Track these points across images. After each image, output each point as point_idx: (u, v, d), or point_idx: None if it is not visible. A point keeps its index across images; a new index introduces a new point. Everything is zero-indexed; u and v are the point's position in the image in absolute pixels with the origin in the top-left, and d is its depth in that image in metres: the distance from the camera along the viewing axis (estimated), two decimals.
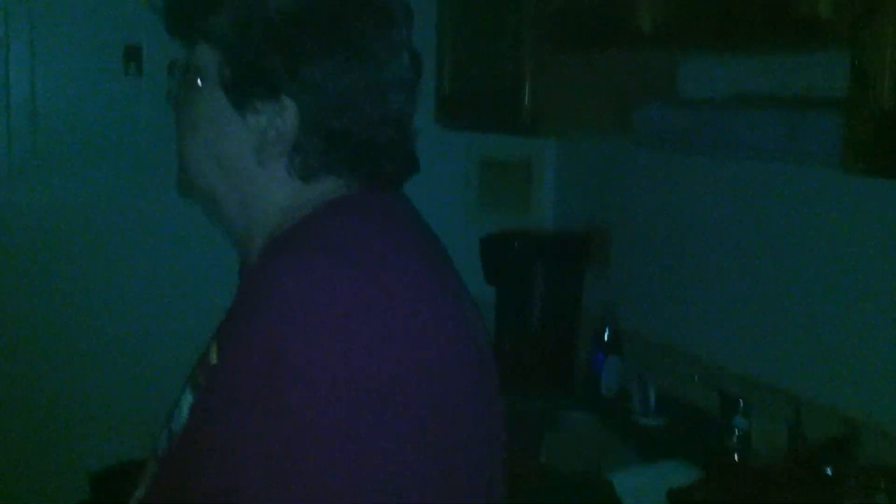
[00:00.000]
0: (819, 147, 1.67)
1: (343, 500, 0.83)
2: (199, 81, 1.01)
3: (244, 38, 0.98)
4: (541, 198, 2.86)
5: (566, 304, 2.54)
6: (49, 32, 2.52)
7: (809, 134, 1.70)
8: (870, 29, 1.33)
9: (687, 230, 2.30)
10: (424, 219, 1.11)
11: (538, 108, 2.23)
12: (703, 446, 2.04)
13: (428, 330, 0.91)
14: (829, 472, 1.75)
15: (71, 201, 2.59)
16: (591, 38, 2.03)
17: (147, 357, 2.64)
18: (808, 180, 1.92)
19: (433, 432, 0.88)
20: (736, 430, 1.99)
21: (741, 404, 1.99)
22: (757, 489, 1.87)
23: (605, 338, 2.38)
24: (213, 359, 0.95)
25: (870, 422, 1.79)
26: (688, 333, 2.30)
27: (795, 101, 1.83)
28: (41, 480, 2.55)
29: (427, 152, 2.96)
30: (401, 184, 1.09)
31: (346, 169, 1.02)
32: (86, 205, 2.60)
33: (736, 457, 1.98)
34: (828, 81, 1.69)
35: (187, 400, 1.01)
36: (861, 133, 1.37)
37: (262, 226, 1.03)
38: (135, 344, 2.64)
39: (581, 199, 2.76)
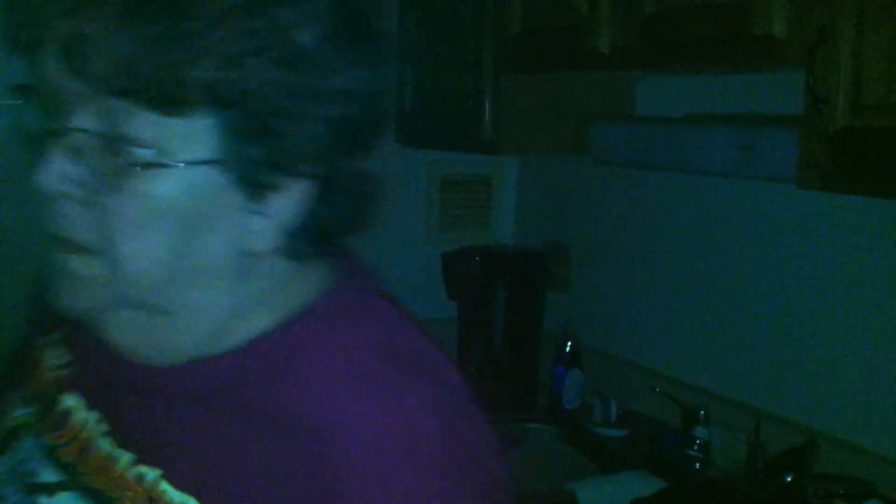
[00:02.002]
0: (774, 164, 1.71)
1: None
2: (177, 164, 0.69)
3: (262, 94, 0.68)
4: (501, 215, 2.88)
5: (527, 320, 2.56)
6: None
7: (765, 151, 1.75)
8: (823, 49, 1.37)
9: (646, 246, 2.34)
10: None
11: (498, 128, 2.26)
12: (664, 457, 2.06)
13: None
14: (788, 480, 1.79)
15: None
16: (550, 59, 2.06)
17: None
18: (764, 196, 1.97)
19: None
20: (697, 441, 2.02)
21: (702, 415, 2.02)
22: (718, 498, 1.91)
23: (566, 352, 2.40)
24: None
25: (827, 432, 1.83)
26: (648, 348, 2.34)
27: (751, 119, 1.87)
28: None
29: (388, 171, 2.95)
30: None
31: (346, 233, 0.80)
32: None
33: (697, 466, 2.01)
34: (784, 100, 1.73)
35: None
36: (815, 150, 1.41)
37: (220, 326, 0.77)
38: None
39: (541, 216, 2.79)
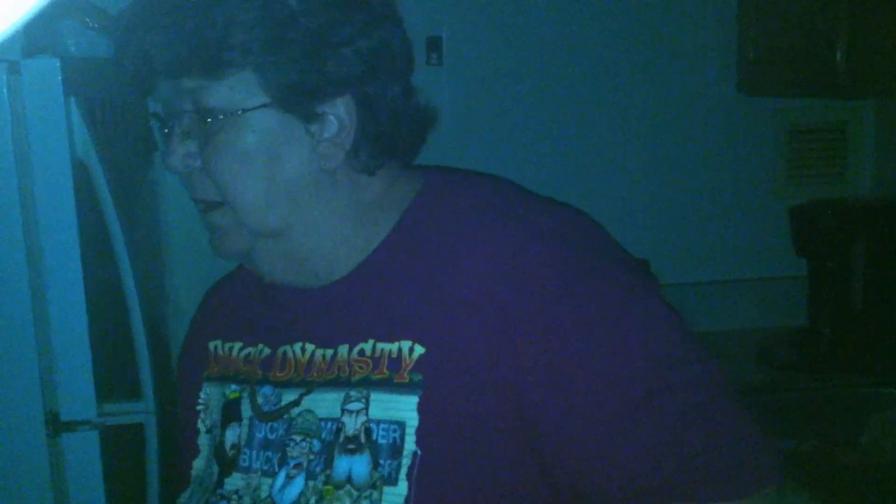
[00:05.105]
0: None
1: None
2: (239, 113, 0.94)
3: (282, 46, 0.93)
4: (858, 165, 2.67)
5: (891, 276, 2.36)
6: None
7: None
8: None
9: None
10: None
11: (853, 70, 2.09)
12: None
13: None
14: None
15: None
16: None
17: None
18: None
19: None
20: None
21: None
22: None
23: None
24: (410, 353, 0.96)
25: None
26: None
27: None
28: None
29: (731, 121, 2.85)
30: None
31: (404, 148, 1.02)
32: None
33: None
34: None
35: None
36: None
37: (344, 237, 1.01)
38: None
39: None
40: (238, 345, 1.10)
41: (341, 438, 0.97)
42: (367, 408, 0.96)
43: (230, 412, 1.07)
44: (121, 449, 1.57)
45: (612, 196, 2.49)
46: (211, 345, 1.13)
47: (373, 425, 0.96)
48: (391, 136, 1.00)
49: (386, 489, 0.94)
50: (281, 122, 0.95)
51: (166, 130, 0.99)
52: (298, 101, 0.95)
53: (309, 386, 1.01)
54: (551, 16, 2.47)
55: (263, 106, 0.94)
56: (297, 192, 0.98)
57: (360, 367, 0.98)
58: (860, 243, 2.34)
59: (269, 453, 1.02)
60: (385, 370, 0.97)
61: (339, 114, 0.97)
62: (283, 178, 0.97)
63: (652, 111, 2.53)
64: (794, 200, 2.48)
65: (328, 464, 0.97)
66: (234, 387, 1.08)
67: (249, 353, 1.08)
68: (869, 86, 2.16)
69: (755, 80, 2.39)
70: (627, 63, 2.51)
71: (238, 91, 0.94)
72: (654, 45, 2.51)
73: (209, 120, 0.95)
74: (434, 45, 2.64)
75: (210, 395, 1.11)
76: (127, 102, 1.81)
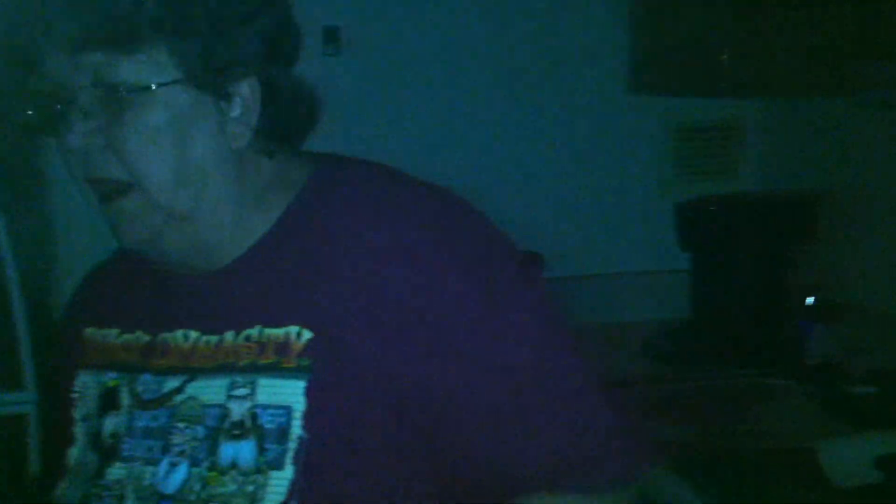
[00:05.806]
0: None
1: None
2: (151, 89, 0.92)
3: (194, 21, 0.92)
4: (744, 162, 2.76)
5: (771, 272, 2.44)
6: None
7: None
8: None
9: None
10: None
11: (742, 69, 2.15)
12: None
13: None
14: None
15: None
16: None
17: None
18: None
19: None
20: None
21: None
22: None
23: (812, 306, 2.28)
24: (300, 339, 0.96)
25: None
26: None
27: None
28: None
29: (620, 118, 2.90)
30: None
31: (297, 132, 1.03)
32: None
33: None
34: None
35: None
36: None
37: (242, 220, 1.00)
38: None
39: (790, 164, 2.63)
40: (115, 331, 1.08)
41: (226, 424, 0.96)
42: (253, 393, 0.96)
43: (108, 401, 1.05)
44: (1, 440, 1.53)
45: (502, 189, 2.51)
46: (87, 331, 1.10)
47: (259, 410, 0.96)
48: (289, 120, 1.00)
49: (272, 473, 0.94)
50: (193, 100, 0.94)
51: (59, 107, 0.94)
52: (211, 78, 0.94)
53: (193, 373, 1.00)
54: (446, 9, 2.49)
55: (176, 82, 0.93)
56: (207, 172, 0.96)
57: (247, 353, 0.98)
58: (744, 238, 2.42)
59: (152, 441, 1.00)
60: (272, 355, 0.96)
61: (244, 94, 0.96)
62: (193, 157, 0.95)
63: (542, 108, 2.56)
64: (681, 197, 2.55)
65: (213, 450, 0.97)
66: (111, 374, 1.06)
67: (127, 340, 1.07)
68: (755, 86, 2.22)
69: (644, 79, 2.44)
70: (520, 60, 2.54)
71: (149, 66, 0.92)
72: (545, 43, 2.54)
73: (115, 96, 0.92)
74: (331, 35, 2.62)
75: (86, 384, 1.09)
76: (11, 81, 1.75)
